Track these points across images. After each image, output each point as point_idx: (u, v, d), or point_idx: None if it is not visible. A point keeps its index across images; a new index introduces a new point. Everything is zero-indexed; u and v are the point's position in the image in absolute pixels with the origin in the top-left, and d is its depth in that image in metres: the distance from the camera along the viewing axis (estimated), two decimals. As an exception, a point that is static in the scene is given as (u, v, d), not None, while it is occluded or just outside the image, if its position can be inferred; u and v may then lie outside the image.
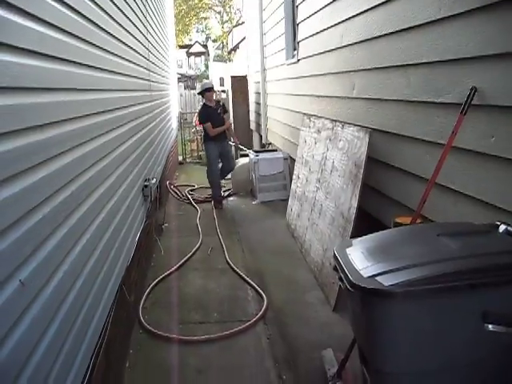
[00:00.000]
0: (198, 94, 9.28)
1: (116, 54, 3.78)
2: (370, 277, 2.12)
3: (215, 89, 16.03)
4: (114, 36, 3.71)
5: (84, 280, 2.44)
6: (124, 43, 4.20)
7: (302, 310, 4.35)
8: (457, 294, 2.01)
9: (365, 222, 4.41)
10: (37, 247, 1.89)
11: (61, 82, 2.37)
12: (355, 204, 4.33)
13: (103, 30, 3.35)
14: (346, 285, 2.18)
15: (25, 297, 1.74)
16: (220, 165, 8.56)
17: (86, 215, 2.57)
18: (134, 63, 4.85)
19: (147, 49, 6.05)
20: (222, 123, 8.28)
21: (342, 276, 2.25)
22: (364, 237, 2.90)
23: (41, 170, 1.98)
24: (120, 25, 4.05)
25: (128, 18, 4.47)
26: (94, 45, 3.05)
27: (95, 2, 3.13)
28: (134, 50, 4.84)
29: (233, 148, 9.53)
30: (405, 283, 2.02)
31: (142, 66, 5.49)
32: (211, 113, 8.21)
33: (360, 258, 2.31)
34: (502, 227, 2.52)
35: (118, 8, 3.95)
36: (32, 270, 1.80)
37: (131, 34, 4.66)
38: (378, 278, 2.09)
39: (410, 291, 2.00)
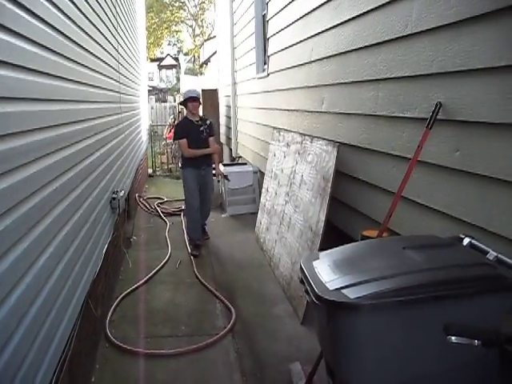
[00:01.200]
0: (180, 103, 7.82)
1: (84, 65, 3.75)
2: (335, 289, 2.12)
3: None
4: (82, 47, 3.67)
5: (47, 293, 2.39)
6: (93, 54, 4.17)
7: (271, 324, 4.35)
8: (421, 306, 2.03)
9: (333, 236, 4.43)
10: (-3, 259, 1.85)
11: (24, 92, 2.33)
12: (323, 217, 4.36)
13: (70, 39, 3.32)
14: (312, 297, 2.17)
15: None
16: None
17: (50, 227, 2.53)
18: (104, 75, 4.82)
19: (117, 61, 6.02)
20: (203, 144, 6.57)
21: (308, 289, 2.25)
22: (331, 250, 2.91)
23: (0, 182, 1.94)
24: (89, 36, 4.02)
25: (98, 29, 4.44)
26: (59, 54, 3.01)
27: (63, 12, 3.10)
28: (103, 61, 4.81)
29: (215, 181, 7.52)
30: (370, 296, 2.02)
31: (111, 78, 5.45)
32: (191, 128, 6.53)
33: (326, 271, 2.32)
34: (466, 240, 2.56)
35: (88, 19, 3.92)
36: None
37: (101, 46, 4.63)
38: (343, 291, 2.09)
39: (375, 304, 2.01)
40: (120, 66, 6.27)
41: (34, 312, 2.18)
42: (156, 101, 33.74)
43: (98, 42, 4.42)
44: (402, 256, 2.35)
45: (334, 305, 2.06)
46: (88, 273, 3.43)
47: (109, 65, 5.20)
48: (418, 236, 3.04)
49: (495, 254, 2.35)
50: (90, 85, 3.99)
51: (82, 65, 3.67)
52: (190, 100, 6.54)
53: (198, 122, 6.62)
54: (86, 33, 3.89)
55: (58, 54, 2.96)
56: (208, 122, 6.78)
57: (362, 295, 2.03)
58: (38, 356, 2.22)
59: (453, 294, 2.04)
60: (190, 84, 20.13)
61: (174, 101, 19.35)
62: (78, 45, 3.57)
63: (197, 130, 6.55)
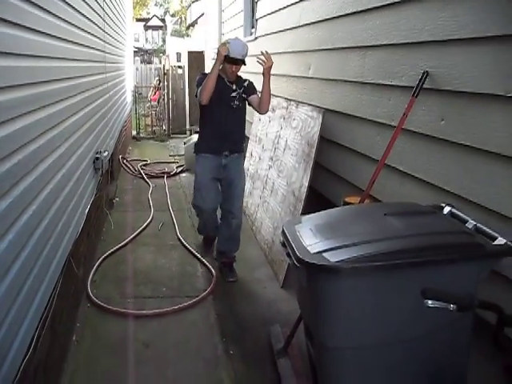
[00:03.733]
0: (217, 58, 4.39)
1: (69, 22, 3.67)
2: (316, 253, 2.15)
3: (172, 64, 15.84)
4: (66, 2, 3.60)
5: (29, 251, 2.39)
6: (79, 12, 4.09)
7: (251, 287, 4.40)
8: (400, 271, 2.07)
9: (315, 201, 4.47)
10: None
11: (8, 46, 2.29)
12: (306, 183, 4.38)
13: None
14: (293, 260, 2.20)
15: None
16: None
17: (33, 185, 2.51)
18: (89, 33, 4.74)
19: (103, 19, 5.91)
20: (233, 117, 4.46)
21: (290, 252, 2.28)
22: (313, 214, 2.93)
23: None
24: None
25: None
26: (42, 8, 2.94)
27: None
28: (89, 19, 4.72)
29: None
30: (350, 260, 2.05)
31: (97, 37, 5.36)
32: (218, 87, 4.27)
33: (308, 235, 2.35)
34: (447, 209, 2.60)
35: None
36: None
37: (87, 3, 4.54)
38: (324, 254, 2.12)
39: (355, 268, 2.04)
40: (105, 25, 6.16)
41: (16, 269, 2.19)
42: (141, 62, 33.25)
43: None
44: (382, 222, 2.38)
45: (315, 267, 2.09)
46: (70, 232, 3.43)
47: (94, 23, 5.11)
48: (399, 203, 3.07)
49: (474, 222, 2.39)
50: (75, 42, 3.92)
51: (67, 21, 3.59)
52: (228, 60, 4.25)
53: (231, 83, 4.45)
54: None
55: (41, 8, 2.89)
56: (246, 82, 4.54)
57: (343, 259, 2.07)
58: (20, 312, 2.24)
59: (431, 260, 2.08)
60: (176, 46, 19.79)
61: (160, 62, 19.08)
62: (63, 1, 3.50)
63: (226, 93, 4.41)
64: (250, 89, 4.55)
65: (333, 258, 2.09)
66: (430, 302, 1.60)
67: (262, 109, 4.49)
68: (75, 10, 3.93)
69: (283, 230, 2.49)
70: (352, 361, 2.23)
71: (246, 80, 4.61)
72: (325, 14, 4.52)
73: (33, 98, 2.60)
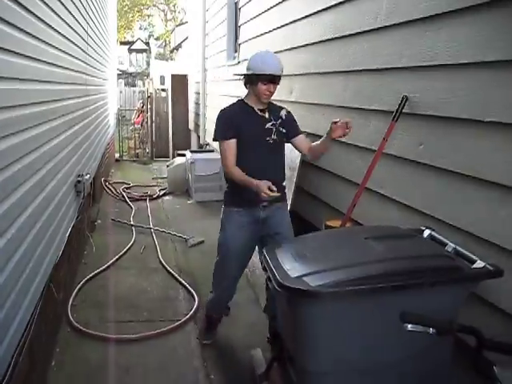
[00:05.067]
0: (244, 80, 3.51)
1: (48, 43, 3.65)
2: (297, 277, 2.15)
3: (155, 86, 15.88)
4: (46, 23, 3.59)
5: (7, 277, 2.36)
6: (59, 33, 4.08)
7: (233, 310, 4.35)
8: (379, 295, 2.07)
9: (298, 225, 4.47)
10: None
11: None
12: (288, 207, 4.38)
13: (35, 15, 3.24)
14: (274, 284, 2.20)
15: None
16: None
17: (11, 209, 2.49)
18: (70, 55, 4.73)
19: (85, 41, 5.93)
20: (271, 156, 3.46)
21: (271, 276, 2.27)
22: (294, 238, 2.95)
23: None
24: (55, 12, 3.94)
25: (65, 6, 4.37)
26: (19, 28, 2.93)
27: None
28: (70, 40, 4.71)
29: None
30: (330, 284, 2.06)
31: (78, 59, 5.37)
32: (249, 121, 3.44)
33: (289, 259, 2.35)
34: (427, 232, 2.62)
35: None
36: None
37: (68, 24, 4.55)
38: (304, 279, 2.12)
39: (334, 292, 2.04)
40: (88, 47, 6.18)
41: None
42: (125, 85, 33.32)
43: (64, 20, 4.33)
44: (363, 246, 2.39)
45: (295, 292, 2.09)
46: (50, 256, 3.39)
47: (76, 44, 5.11)
48: (379, 226, 3.09)
49: (453, 246, 2.42)
50: (55, 64, 3.90)
51: (46, 42, 3.57)
52: (263, 79, 3.30)
53: (263, 111, 3.47)
54: (52, 9, 3.81)
55: (17, 28, 2.86)
56: (283, 112, 3.56)
57: (323, 283, 2.07)
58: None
59: (410, 284, 2.10)
60: (160, 69, 19.87)
61: (144, 85, 19.15)
62: (42, 21, 3.48)
63: (259, 126, 3.43)
64: (291, 123, 3.56)
65: (313, 282, 2.09)
66: (409, 326, 1.60)
67: (313, 158, 3.84)
68: (55, 30, 3.92)
69: (264, 254, 2.49)
70: (333, 385, 2.22)
71: (281, 108, 3.60)
72: (308, 39, 4.58)
73: (9, 122, 2.57)
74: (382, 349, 2.15)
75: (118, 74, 33.01)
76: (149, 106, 14.15)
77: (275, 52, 5.48)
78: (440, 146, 2.77)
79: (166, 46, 36.61)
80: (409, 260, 2.25)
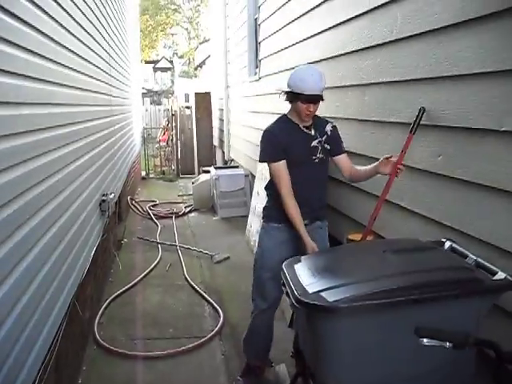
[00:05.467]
0: (287, 97, 3.30)
1: (71, 68, 3.76)
2: (314, 292, 2.14)
3: (180, 104, 16.04)
4: (69, 49, 3.69)
5: (30, 296, 2.41)
6: (81, 57, 4.18)
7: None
8: (398, 309, 2.05)
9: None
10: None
11: (9, 96, 2.35)
12: (327, 227, 4.39)
13: (57, 43, 3.36)
14: (292, 300, 2.20)
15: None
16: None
17: (35, 230, 2.55)
18: (94, 77, 4.83)
19: (108, 64, 6.04)
20: (318, 174, 3.39)
21: (289, 291, 2.27)
22: (313, 253, 2.95)
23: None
24: (79, 40, 4.06)
25: (87, 32, 4.48)
26: (46, 58, 3.05)
27: (49, 15, 3.13)
28: (92, 63, 4.82)
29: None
30: (348, 299, 2.05)
31: (102, 81, 5.47)
32: (295, 140, 3.28)
33: (307, 274, 2.34)
34: (447, 244, 2.59)
35: (76, 21, 3.94)
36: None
37: (89, 48, 4.65)
38: (322, 294, 2.12)
39: (352, 307, 2.03)
40: (111, 69, 6.30)
41: (16, 314, 2.20)
42: (151, 103, 33.70)
43: (86, 44, 4.43)
44: (381, 260, 2.38)
45: (313, 307, 2.08)
46: (75, 275, 3.45)
47: (98, 67, 5.22)
48: (399, 239, 3.07)
49: (474, 257, 2.38)
50: (78, 88, 4.00)
51: (69, 67, 3.67)
52: (302, 99, 3.15)
53: (308, 128, 3.33)
54: (74, 35, 3.91)
55: (43, 57, 2.98)
56: (329, 127, 3.42)
57: (340, 298, 2.06)
58: (20, 357, 2.24)
59: (429, 297, 2.07)
60: (184, 87, 20.08)
61: (172, 103, 19.35)
62: (66, 48, 3.59)
63: (305, 145, 3.30)
64: (336, 141, 3.41)
65: (330, 297, 2.08)
66: (425, 340, 1.59)
67: (352, 180, 3.55)
68: (77, 55, 4.02)
69: (283, 269, 2.49)
70: (354, 401, 2.21)
71: (327, 122, 3.45)
72: (325, 53, 4.60)
73: (33, 145, 2.65)
74: (402, 363, 2.13)
75: (144, 93, 33.42)
76: (173, 124, 14.28)
77: (294, 67, 5.54)
78: (458, 156, 2.75)
79: (189, 63, 36.98)
80: (427, 273, 2.22)
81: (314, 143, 3.29)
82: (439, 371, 2.17)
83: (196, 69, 28.25)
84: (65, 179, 3.33)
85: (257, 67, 7.99)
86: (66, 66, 3.55)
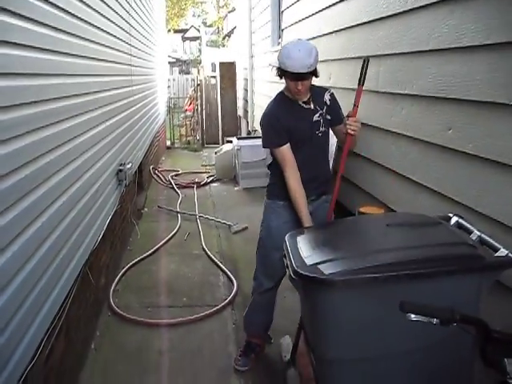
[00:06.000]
0: (277, 73, 3.15)
1: (86, 38, 3.77)
2: (312, 265, 2.15)
3: (206, 74, 15.98)
4: (84, 20, 3.70)
5: (36, 262, 2.46)
6: (96, 26, 4.19)
7: (277, 300, 4.40)
8: (394, 283, 2.04)
9: (335, 211, 4.45)
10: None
11: (20, 67, 2.39)
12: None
13: (76, 16, 3.40)
14: (290, 272, 2.21)
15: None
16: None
17: (42, 198, 2.59)
18: (111, 47, 4.83)
19: (129, 33, 6.03)
20: (321, 150, 3.36)
21: (288, 263, 2.29)
22: (316, 225, 2.95)
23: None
24: (96, 11, 4.08)
25: (105, 2, 4.47)
26: (63, 31, 3.11)
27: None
28: (111, 35, 4.83)
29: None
30: (345, 272, 2.05)
31: (121, 51, 5.48)
32: (296, 118, 3.19)
33: (307, 246, 2.35)
34: (454, 219, 2.57)
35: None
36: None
37: (108, 19, 4.65)
38: (320, 266, 2.12)
39: (348, 280, 2.03)
40: (132, 39, 6.29)
41: (20, 279, 2.25)
42: (179, 72, 33.64)
43: (102, 15, 4.42)
44: (384, 233, 2.37)
45: (309, 280, 2.09)
46: (87, 243, 3.50)
47: (118, 38, 5.21)
48: (405, 214, 3.05)
49: (478, 233, 2.36)
50: (94, 58, 4.00)
51: (84, 38, 3.68)
52: (289, 76, 3.03)
53: (307, 103, 3.22)
54: (93, 8, 3.92)
55: (59, 30, 3.01)
56: (327, 96, 3.32)
57: (337, 271, 2.06)
58: (24, 320, 2.31)
59: (426, 272, 2.06)
60: (212, 56, 19.96)
61: (198, 73, 19.26)
62: (81, 19, 3.60)
63: (307, 120, 3.20)
64: (335, 110, 3.31)
65: (327, 270, 2.08)
66: (412, 315, 1.58)
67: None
68: (93, 26, 4.02)
69: (285, 241, 2.51)
70: (351, 373, 2.22)
71: (324, 91, 3.33)
72: (342, 24, 4.53)
73: (43, 115, 2.68)
74: (399, 337, 2.12)
75: (173, 62, 33.37)
76: (199, 94, 14.26)
77: (313, 38, 5.48)
78: (468, 130, 2.70)
79: (218, 32, 36.71)
80: (428, 248, 2.21)
81: (316, 117, 3.20)
82: (438, 346, 2.16)
83: (224, 38, 28.06)
84: (78, 148, 3.36)
85: (279, 37, 7.91)
86: (79, 37, 3.55)
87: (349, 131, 3.03)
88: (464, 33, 2.66)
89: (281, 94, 3.30)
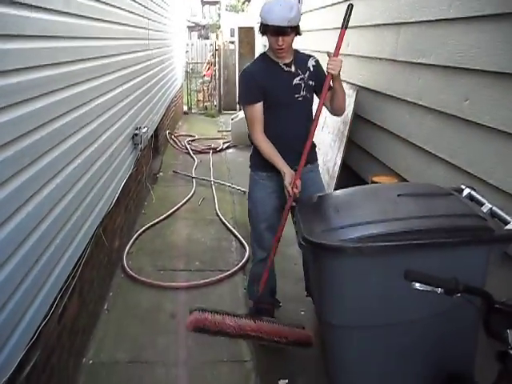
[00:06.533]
0: (259, 29, 3.10)
1: (105, 2, 3.76)
2: (322, 232, 2.18)
3: (225, 39, 15.82)
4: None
5: (50, 223, 2.50)
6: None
7: (283, 263, 4.42)
8: (402, 253, 2.06)
9: (348, 178, 4.47)
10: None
11: (33, 29, 2.39)
12: (339, 161, 4.38)
13: None
14: (299, 239, 2.23)
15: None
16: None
17: (58, 159, 2.62)
18: (127, 10, 4.80)
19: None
20: (302, 115, 3.20)
21: (297, 230, 2.31)
22: (328, 193, 2.96)
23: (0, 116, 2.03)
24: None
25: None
26: None
27: None
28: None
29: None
30: (354, 239, 2.07)
31: (138, 14, 5.45)
32: (274, 79, 3.12)
33: (318, 214, 2.38)
34: (466, 191, 2.56)
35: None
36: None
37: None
38: (329, 233, 2.15)
39: (357, 247, 2.05)
40: (149, 2, 6.23)
41: (34, 239, 2.30)
42: (198, 37, 33.39)
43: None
44: (394, 203, 2.37)
45: (318, 246, 2.12)
46: (101, 205, 3.55)
47: (134, 0, 5.18)
48: (417, 184, 3.05)
49: (490, 206, 2.35)
50: (109, 21, 3.98)
51: (99, 0, 3.66)
52: (270, 30, 2.97)
53: (288, 65, 3.14)
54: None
55: None
56: (312, 62, 3.23)
57: (346, 238, 2.08)
58: (37, 280, 2.36)
59: (436, 242, 2.07)
60: (231, 21, 19.75)
61: (217, 38, 19.06)
62: None
63: (286, 83, 3.13)
64: (320, 75, 3.14)
65: (337, 237, 2.11)
66: (417, 284, 1.60)
67: (337, 111, 3.29)
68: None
69: (295, 208, 2.52)
70: (357, 340, 2.25)
71: (309, 57, 3.25)
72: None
73: (58, 77, 2.68)
74: (405, 306, 2.14)
75: (192, 27, 33.09)
76: (217, 59, 14.16)
77: (332, 5, 5.40)
78: (485, 101, 2.67)
79: (238, -3, 36.19)
80: (437, 218, 2.21)
81: (296, 80, 3.12)
82: (444, 316, 2.18)
83: (243, 3, 27.65)
84: (93, 111, 3.37)
85: (299, 2, 7.79)
86: (98, 0, 3.54)
87: (328, 70, 2.95)
88: (487, 1, 2.61)
89: (263, 54, 3.26)
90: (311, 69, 3.19)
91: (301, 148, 3.03)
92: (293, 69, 3.14)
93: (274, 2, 2.94)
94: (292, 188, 2.93)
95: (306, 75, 3.15)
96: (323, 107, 3.12)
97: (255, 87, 3.09)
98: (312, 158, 3.29)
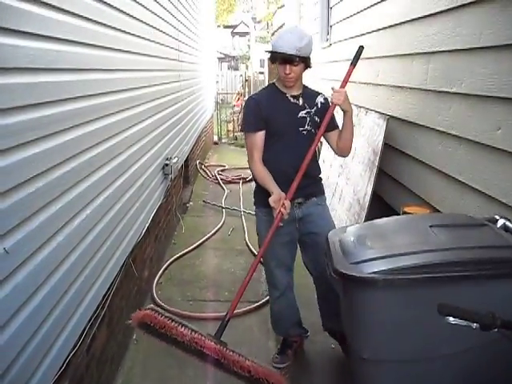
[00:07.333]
0: (269, 58, 3.17)
1: (131, 33, 3.80)
2: (352, 263, 2.14)
3: (254, 70, 15.99)
4: (133, 17, 3.76)
5: (80, 254, 2.52)
6: (147, 24, 4.25)
7: (311, 295, 4.37)
8: (434, 285, 2.02)
9: (379, 208, 4.41)
10: (25, 219, 1.98)
11: (57, 62, 2.41)
12: (370, 191, 4.34)
13: (125, 13, 3.49)
14: (330, 271, 2.20)
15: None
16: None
17: (87, 191, 2.64)
18: (157, 42, 4.87)
19: (177, 29, 6.09)
20: (304, 146, 3.07)
21: (328, 262, 2.28)
22: (359, 224, 2.92)
23: (33, 147, 2.05)
24: (145, 7, 4.14)
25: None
26: (114, 28, 3.23)
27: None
28: (160, 31, 4.89)
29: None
30: (385, 272, 2.03)
31: (169, 47, 5.54)
32: (279, 109, 3.11)
33: (349, 245, 2.33)
34: (501, 222, 2.49)
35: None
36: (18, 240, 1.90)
37: (157, 15, 4.71)
38: (360, 265, 2.11)
39: (388, 280, 2.02)
40: (180, 34, 6.34)
41: (63, 271, 2.31)
42: (228, 68, 33.83)
43: (153, 12, 4.49)
44: (426, 234, 2.33)
45: (348, 278, 2.09)
46: (131, 235, 3.56)
47: (165, 33, 5.27)
48: (450, 214, 3.00)
49: (526, 237, 2.29)
50: (137, 53, 4.02)
51: (129, 33, 3.71)
52: (277, 58, 3.01)
53: (296, 98, 3.15)
54: (141, 4, 3.99)
55: (103, 24, 3.06)
56: (320, 99, 3.23)
57: (377, 270, 2.05)
58: (68, 310, 2.38)
59: (469, 275, 2.02)
60: (260, 52, 19.98)
61: (247, 68, 19.31)
62: (130, 15, 3.67)
63: (291, 114, 3.11)
64: (327, 111, 3.12)
65: (368, 269, 2.07)
66: (451, 319, 1.55)
67: (342, 150, 3.30)
68: (142, 22, 4.08)
69: (326, 239, 2.50)
70: (387, 374, 2.20)
71: (318, 94, 3.26)
72: (391, 20, 4.46)
73: (88, 110, 2.71)
74: (438, 340, 2.09)
75: (222, 58, 33.56)
76: (247, 90, 14.30)
77: (362, 35, 5.41)
78: (519, 130, 2.63)
79: (267, 28, 36.69)
80: (471, 250, 2.15)
81: (302, 114, 3.11)
82: (478, 351, 2.11)
83: (273, 34, 28.00)
84: (124, 142, 3.41)
85: (328, 33, 7.86)
86: (125, 32, 3.59)
87: (333, 99, 3.04)
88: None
89: (271, 84, 3.26)
90: (319, 105, 3.19)
91: (304, 181, 3.03)
92: (300, 102, 3.14)
93: (285, 30, 3.04)
94: (279, 208, 2.87)
95: (313, 110, 3.15)
96: (329, 148, 3.29)
97: (259, 115, 3.08)
98: (317, 191, 3.29)
